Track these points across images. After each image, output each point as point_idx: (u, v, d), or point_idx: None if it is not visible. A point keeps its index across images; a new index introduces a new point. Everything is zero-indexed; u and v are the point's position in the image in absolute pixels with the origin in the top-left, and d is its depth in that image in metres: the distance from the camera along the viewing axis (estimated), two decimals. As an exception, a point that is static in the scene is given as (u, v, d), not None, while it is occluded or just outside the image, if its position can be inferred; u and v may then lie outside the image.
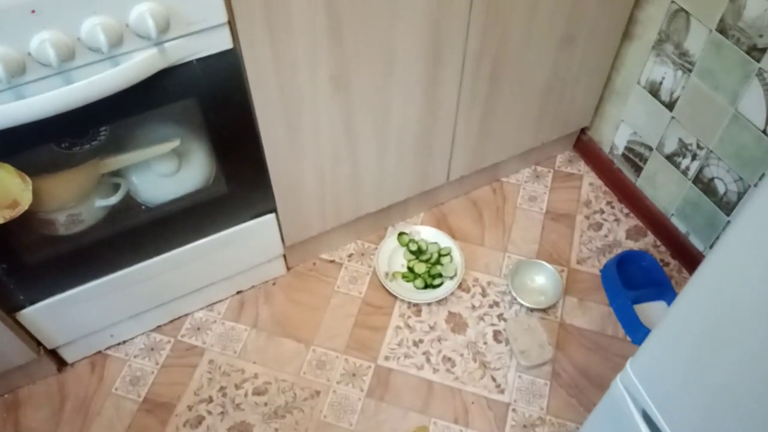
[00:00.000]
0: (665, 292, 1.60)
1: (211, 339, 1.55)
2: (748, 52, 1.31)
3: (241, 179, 1.33)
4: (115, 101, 1.01)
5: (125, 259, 1.35)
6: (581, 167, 1.92)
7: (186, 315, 1.59)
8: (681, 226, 1.68)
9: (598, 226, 1.77)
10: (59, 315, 1.35)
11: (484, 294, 1.63)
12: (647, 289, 1.59)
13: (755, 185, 1.42)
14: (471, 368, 1.50)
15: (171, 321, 1.58)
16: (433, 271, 1.64)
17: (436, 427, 1.42)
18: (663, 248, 1.73)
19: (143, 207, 1.30)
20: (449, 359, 1.52)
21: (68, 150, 1.15)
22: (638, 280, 1.62)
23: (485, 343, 1.55)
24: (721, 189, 1.51)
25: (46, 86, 0.96)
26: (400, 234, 1.72)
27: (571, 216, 1.80)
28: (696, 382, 0.83)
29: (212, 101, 1.15)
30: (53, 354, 1.46)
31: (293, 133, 1.29)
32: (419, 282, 1.63)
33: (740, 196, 1.46)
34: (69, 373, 1.50)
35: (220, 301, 1.62)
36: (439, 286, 1.62)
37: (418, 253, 1.68)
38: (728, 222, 1.53)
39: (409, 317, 1.59)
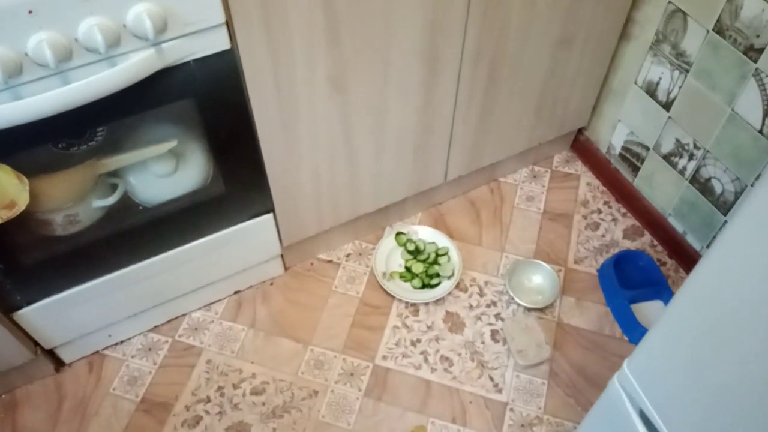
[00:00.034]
0: (662, 291, 1.60)
1: (208, 339, 1.55)
2: (744, 53, 1.32)
3: (239, 179, 1.33)
4: (113, 102, 1.01)
5: (123, 260, 1.35)
6: (578, 167, 1.92)
7: (183, 315, 1.59)
8: (678, 225, 1.68)
9: (596, 226, 1.78)
10: (56, 315, 1.35)
11: (481, 294, 1.64)
12: (644, 288, 1.59)
13: (752, 185, 1.42)
14: (469, 368, 1.51)
15: (168, 321, 1.58)
16: (431, 271, 1.64)
17: (433, 426, 1.42)
18: (660, 248, 1.73)
19: (140, 207, 1.30)
20: (447, 359, 1.52)
21: (65, 150, 1.14)
22: (635, 280, 1.62)
23: (483, 342, 1.55)
24: (718, 189, 1.51)
25: (43, 87, 0.96)
26: (398, 234, 1.72)
27: (568, 216, 1.80)
28: (693, 381, 0.83)
29: (209, 102, 1.15)
30: (51, 354, 1.46)
31: (290, 133, 1.29)
32: (417, 282, 1.63)
33: (737, 195, 1.47)
34: (66, 374, 1.50)
35: (217, 301, 1.62)
36: (436, 285, 1.63)
37: (416, 252, 1.68)
38: (725, 222, 1.53)
39: (407, 317, 1.59)
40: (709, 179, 1.53)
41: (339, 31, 1.16)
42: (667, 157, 1.63)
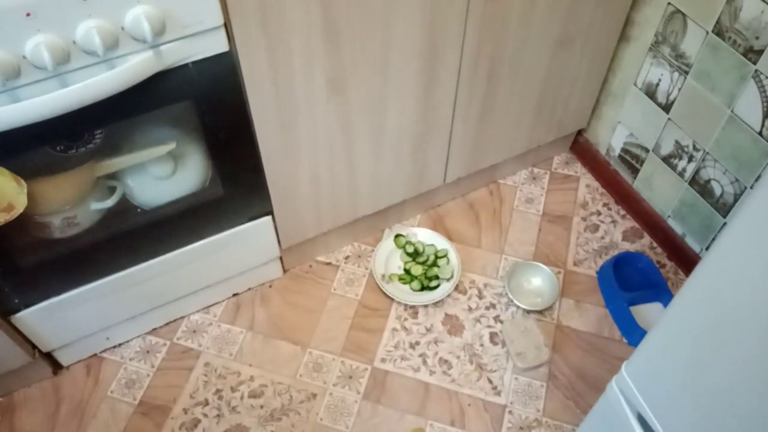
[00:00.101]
0: (661, 293, 1.60)
1: (207, 341, 1.55)
2: (744, 54, 1.32)
3: (237, 182, 1.33)
4: (111, 104, 1.01)
5: (121, 262, 1.34)
6: (578, 169, 1.92)
7: (182, 317, 1.59)
8: (677, 227, 1.68)
9: (595, 228, 1.77)
10: (54, 318, 1.34)
11: (480, 296, 1.63)
12: (643, 290, 1.59)
13: (751, 187, 1.42)
14: (467, 370, 1.50)
15: (167, 323, 1.58)
16: (430, 273, 1.64)
17: (432, 429, 1.42)
18: (659, 250, 1.73)
19: (139, 210, 1.30)
20: (446, 361, 1.52)
21: (64, 153, 1.14)
22: (635, 282, 1.62)
23: (482, 345, 1.55)
24: (717, 191, 1.51)
25: (41, 89, 0.95)
26: (397, 236, 1.72)
27: (567, 218, 1.80)
28: (691, 384, 0.83)
29: (208, 104, 1.15)
30: (48, 357, 1.46)
31: (289, 135, 1.29)
32: (416, 284, 1.63)
33: (736, 197, 1.47)
34: (64, 376, 1.49)
35: (216, 304, 1.61)
36: (435, 288, 1.62)
37: (415, 255, 1.68)
38: (724, 224, 1.53)
39: (406, 319, 1.59)
40: (708, 181, 1.52)
41: (337, 32, 1.16)
42: (666, 159, 1.63)
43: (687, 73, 1.47)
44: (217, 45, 1.07)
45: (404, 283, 1.64)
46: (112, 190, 1.26)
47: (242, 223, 1.42)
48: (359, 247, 1.73)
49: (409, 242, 1.70)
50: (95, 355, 1.52)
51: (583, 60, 1.59)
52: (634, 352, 0.94)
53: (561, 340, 1.55)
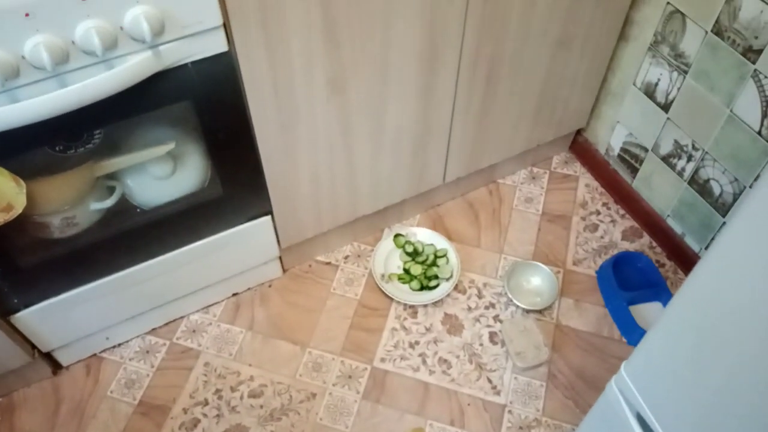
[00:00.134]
0: (661, 293, 1.60)
1: (206, 341, 1.55)
2: (743, 54, 1.32)
3: (237, 182, 1.33)
4: (110, 104, 1.01)
5: (120, 262, 1.34)
6: (577, 168, 1.92)
7: (181, 317, 1.59)
8: (677, 227, 1.68)
9: (594, 228, 1.78)
10: (54, 318, 1.34)
11: (480, 295, 1.63)
12: (643, 290, 1.59)
13: (750, 186, 1.42)
14: (467, 370, 1.50)
15: (166, 323, 1.57)
16: (429, 273, 1.64)
17: (432, 429, 1.42)
18: (659, 249, 1.73)
19: (138, 210, 1.30)
20: (445, 361, 1.52)
21: (63, 153, 1.14)
22: (634, 282, 1.62)
23: (481, 344, 1.55)
24: (716, 190, 1.51)
25: (40, 89, 0.95)
26: (396, 236, 1.72)
27: (567, 217, 1.80)
28: (690, 384, 0.83)
29: (207, 104, 1.15)
30: (48, 357, 1.46)
31: (289, 135, 1.29)
32: (415, 284, 1.63)
33: (736, 197, 1.47)
34: (64, 376, 1.49)
35: (215, 304, 1.61)
36: (435, 287, 1.62)
37: (414, 254, 1.68)
38: (724, 223, 1.53)
39: (405, 319, 1.59)
40: (707, 180, 1.53)
41: (337, 32, 1.16)
42: (665, 159, 1.63)
43: (686, 72, 1.47)
44: (217, 45, 1.07)
45: (404, 283, 1.64)
46: (111, 190, 1.26)
47: (242, 223, 1.42)
48: (359, 246, 1.73)
49: (408, 242, 1.70)
50: (95, 355, 1.52)
51: (583, 60, 1.59)
52: (633, 352, 0.94)
53: (560, 340, 1.55)
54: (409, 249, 1.68)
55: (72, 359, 1.50)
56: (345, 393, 1.47)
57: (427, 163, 1.58)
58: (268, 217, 1.45)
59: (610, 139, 1.80)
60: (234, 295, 1.63)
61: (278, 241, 1.53)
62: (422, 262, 1.66)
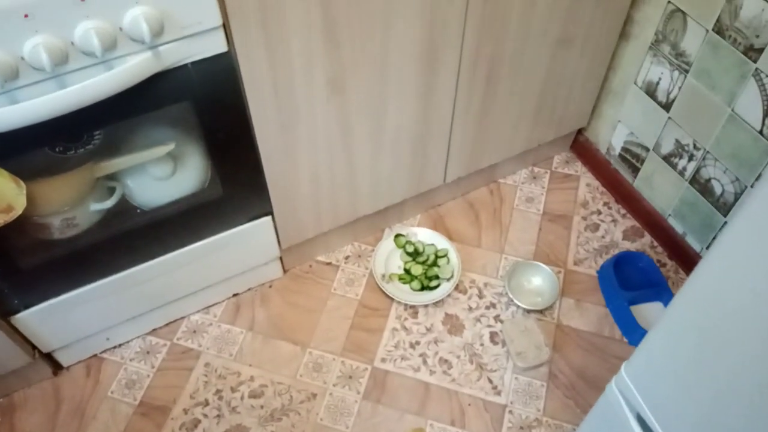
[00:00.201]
0: (662, 293, 1.59)
1: (207, 342, 1.54)
2: (744, 53, 1.31)
3: (237, 182, 1.33)
4: (110, 105, 1.00)
5: (121, 263, 1.34)
6: (578, 168, 1.91)
7: (182, 318, 1.58)
8: (678, 226, 1.68)
9: (595, 227, 1.77)
10: (54, 319, 1.34)
11: (480, 296, 1.63)
12: (644, 290, 1.59)
13: (752, 186, 1.42)
14: (468, 370, 1.50)
15: (167, 324, 1.57)
16: (430, 273, 1.64)
17: (432, 429, 1.42)
18: (660, 249, 1.73)
19: (138, 210, 1.30)
20: (446, 361, 1.52)
21: (63, 154, 1.14)
22: (635, 281, 1.62)
23: (482, 344, 1.54)
24: (717, 190, 1.51)
25: (39, 90, 0.95)
26: (397, 236, 1.71)
27: (568, 217, 1.80)
28: (691, 385, 0.83)
29: (207, 104, 1.15)
30: (49, 358, 1.46)
31: (289, 135, 1.28)
32: (416, 284, 1.62)
33: (737, 196, 1.46)
34: (64, 377, 1.49)
35: (216, 304, 1.61)
36: (435, 287, 1.62)
37: (415, 254, 1.68)
38: (725, 223, 1.53)
39: (406, 319, 1.59)
40: (708, 180, 1.52)
41: (337, 32, 1.16)
42: (666, 158, 1.63)
43: (687, 71, 1.47)
44: (216, 45, 1.06)
45: (404, 283, 1.63)
46: (111, 190, 1.26)
47: (242, 224, 1.42)
48: (359, 246, 1.73)
49: (409, 242, 1.70)
50: (95, 355, 1.52)
51: (583, 59, 1.58)
52: (634, 352, 0.94)
53: (561, 340, 1.55)
54: (410, 249, 1.68)
55: (72, 360, 1.50)
56: (345, 393, 1.47)
57: (428, 163, 1.58)
58: (269, 218, 1.45)
59: (611, 138, 1.80)
60: (234, 295, 1.63)
61: (279, 242, 1.53)
62: (423, 262, 1.66)
